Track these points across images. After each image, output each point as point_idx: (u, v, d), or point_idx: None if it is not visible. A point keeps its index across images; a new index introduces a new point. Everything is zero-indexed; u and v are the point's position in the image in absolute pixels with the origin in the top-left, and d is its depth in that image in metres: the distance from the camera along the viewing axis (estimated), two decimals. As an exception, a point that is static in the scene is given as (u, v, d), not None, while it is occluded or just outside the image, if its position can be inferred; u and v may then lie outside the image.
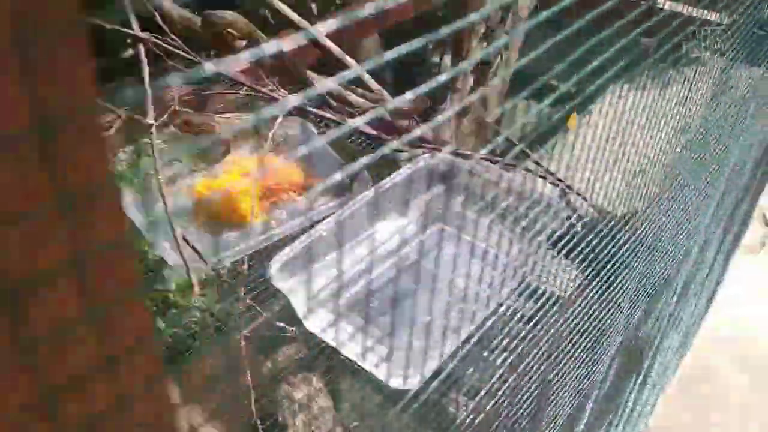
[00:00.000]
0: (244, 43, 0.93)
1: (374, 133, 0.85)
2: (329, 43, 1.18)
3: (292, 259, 0.67)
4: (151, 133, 0.55)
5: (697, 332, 1.86)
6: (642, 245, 0.75)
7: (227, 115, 0.88)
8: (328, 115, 0.81)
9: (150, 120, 0.54)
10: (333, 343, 0.61)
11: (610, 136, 0.77)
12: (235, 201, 0.79)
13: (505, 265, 0.69)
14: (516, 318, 0.69)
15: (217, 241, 0.76)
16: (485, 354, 0.70)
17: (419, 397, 0.68)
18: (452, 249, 0.74)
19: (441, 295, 0.65)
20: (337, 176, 0.41)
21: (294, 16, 1.18)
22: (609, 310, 0.71)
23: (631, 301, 0.75)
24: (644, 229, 0.84)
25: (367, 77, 1.22)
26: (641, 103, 0.74)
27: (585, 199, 1.07)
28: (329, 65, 1.30)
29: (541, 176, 1.11)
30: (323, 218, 0.74)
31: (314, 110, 0.82)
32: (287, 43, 0.46)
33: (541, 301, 0.72)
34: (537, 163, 1.34)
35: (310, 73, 1.10)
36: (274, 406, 1.34)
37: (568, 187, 1.11)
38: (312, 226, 0.73)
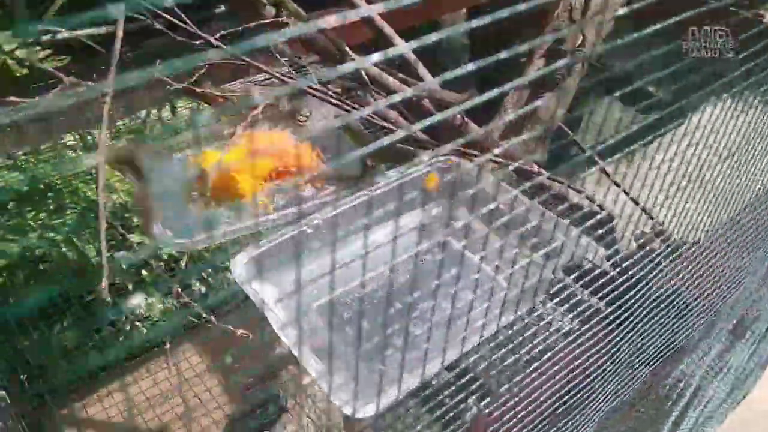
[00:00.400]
0: (273, 11, 0.87)
1: (390, 125, 0.78)
2: (380, 21, 1.11)
3: (260, 255, 0.62)
4: (104, 102, 0.51)
5: (757, 381, 1.69)
6: (666, 296, 0.65)
7: (245, 88, 0.83)
8: (344, 103, 0.74)
9: (108, 89, 0.50)
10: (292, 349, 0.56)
11: (695, 154, 0.68)
12: (230, 178, 0.74)
13: (505, 295, 0.61)
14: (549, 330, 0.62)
15: (201, 219, 0.72)
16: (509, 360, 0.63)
17: (436, 393, 0.62)
18: (451, 267, 0.67)
19: (421, 322, 0.59)
20: (342, 163, 0.35)
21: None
22: (612, 356, 0.62)
23: (645, 350, 0.65)
24: (683, 271, 0.73)
25: (414, 60, 1.14)
26: (738, 123, 0.64)
27: (651, 217, 0.96)
28: (379, 45, 1.23)
29: (588, 198, 1.01)
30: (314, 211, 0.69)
31: (333, 98, 0.76)
32: (331, 21, 0.40)
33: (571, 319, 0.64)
34: (605, 173, 1.22)
35: (352, 54, 1.03)
36: (281, 389, 1.31)
37: (635, 202, 1.00)
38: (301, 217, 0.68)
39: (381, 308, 0.63)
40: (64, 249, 1.41)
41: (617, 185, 1.07)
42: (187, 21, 0.69)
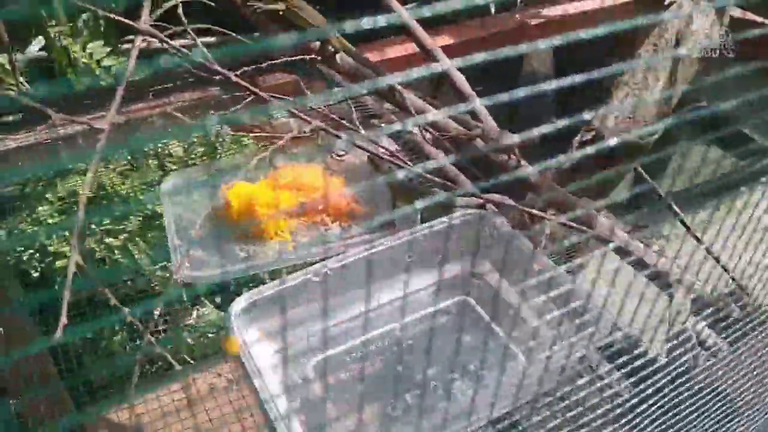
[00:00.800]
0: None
1: (437, 179, 0.73)
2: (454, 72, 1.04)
3: (260, 301, 0.58)
4: (99, 138, 0.49)
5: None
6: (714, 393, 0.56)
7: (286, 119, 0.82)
8: (395, 160, 0.70)
9: (103, 126, 0.49)
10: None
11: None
12: (256, 212, 0.72)
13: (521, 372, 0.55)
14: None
15: (223, 252, 0.70)
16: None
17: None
18: (467, 333, 0.62)
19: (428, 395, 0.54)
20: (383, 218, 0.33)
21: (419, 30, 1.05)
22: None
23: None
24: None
25: (479, 108, 1.08)
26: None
27: (733, 278, 0.87)
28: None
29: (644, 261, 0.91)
30: (333, 255, 0.65)
31: (384, 153, 0.72)
32: (397, 78, 0.38)
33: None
34: (683, 223, 1.11)
35: (413, 101, 0.98)
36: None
37: (716, 259, 0.90)
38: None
39: (382, 371, 0.58)
40: (118, 255, 1.44)
41: (698, 240, 0.97)
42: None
